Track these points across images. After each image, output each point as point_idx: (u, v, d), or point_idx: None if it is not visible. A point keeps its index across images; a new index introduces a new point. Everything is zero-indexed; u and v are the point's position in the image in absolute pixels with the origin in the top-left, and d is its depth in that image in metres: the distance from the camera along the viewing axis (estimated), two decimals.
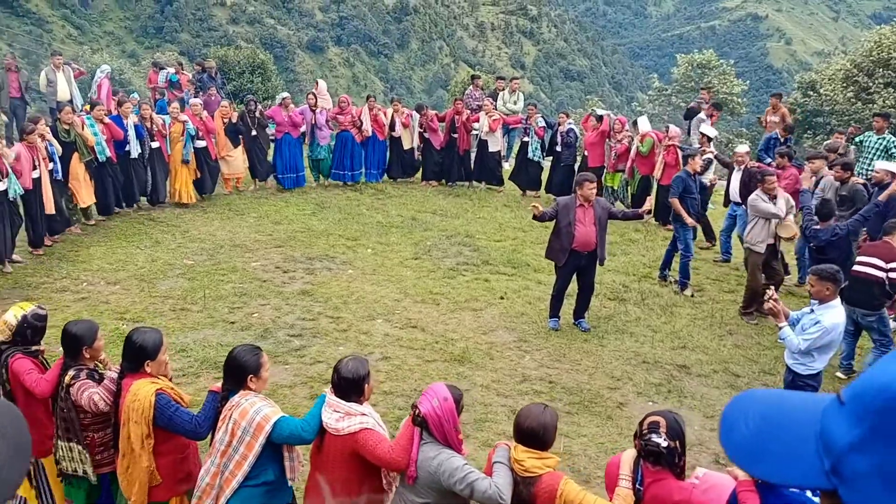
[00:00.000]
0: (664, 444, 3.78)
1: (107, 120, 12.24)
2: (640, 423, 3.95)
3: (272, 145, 15.24)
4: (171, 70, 18.44)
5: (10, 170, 10.18)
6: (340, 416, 4.23)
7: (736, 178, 11.69)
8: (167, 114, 13.66)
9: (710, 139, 12.82)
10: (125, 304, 9.49)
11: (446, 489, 3.97)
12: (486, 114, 15.46)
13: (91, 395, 4.65)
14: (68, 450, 4.88)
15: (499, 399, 7.65)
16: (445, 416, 4.06)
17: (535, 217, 9.18)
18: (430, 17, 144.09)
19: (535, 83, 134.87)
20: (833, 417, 1.01)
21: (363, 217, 13.65)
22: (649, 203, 9.80)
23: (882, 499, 0.88)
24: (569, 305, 9.64)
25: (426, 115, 15.75)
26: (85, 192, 11.99)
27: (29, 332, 5.04)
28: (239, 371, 4.44)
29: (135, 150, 12.80)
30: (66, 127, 11.60)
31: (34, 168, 10.74)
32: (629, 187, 13.95)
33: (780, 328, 6.66)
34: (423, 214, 13.97)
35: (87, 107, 13.25)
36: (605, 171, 14.51)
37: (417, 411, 4.09)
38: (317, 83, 16.43)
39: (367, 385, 4.34)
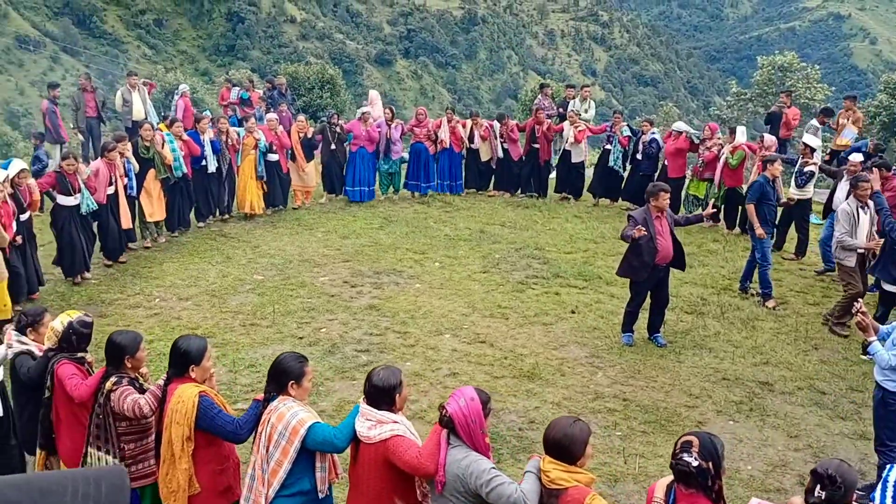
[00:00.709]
0: (695, 463, 3.69)
1: (185, 136, 12.53)
2: (675, 444, 3.90)
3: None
4: (243, 88, 18.74)
5: (82, 185, 10.55)
6: (372, 425, 4.27)
7: (843, 187, 10.98)
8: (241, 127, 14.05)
9: (812, 150, 12.21)
10: (196, 320, 9.62)
11: (472, 494, 3.96)
12: (572, 124, 15.30)
13: (136, 399, 4.74)
14: (97, 459, 4.95)
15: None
16: (472, 416, 4.08)
17: (629, 238, 8.73)
18: (499, 27, 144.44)
19: (607, 90, 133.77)
20: None
21: (431, 230, 13.61)
22: (711, 207, 9.44)
23: None
24: (643, 320, 9.40)
25: (506, 125, 15.73)
26: (156, 208, 12.29)
27: (75, 339, 5.18)
28: (281, 376, 4.53)
29: (212, 164, 13.12)
30: (147, 144, 11.94)
31: (110, 184, 11.09)
32: (713, 198, 13.50)
33: (869, 343, 6.30)
34: (492, 227, 13.86)
35: (162, 125, 13.50)
36: (686, 180, 14.26)
37: (444, 411, 4.13)
38: (370, 94, 16.58)
39: (398, 395, 4.36)
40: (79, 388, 4.97)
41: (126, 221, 11.53)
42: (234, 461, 4.97)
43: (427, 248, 12.58)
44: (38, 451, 5.49)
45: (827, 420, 7.70)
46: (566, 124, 15.44)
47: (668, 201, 8.84)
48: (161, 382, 4.81)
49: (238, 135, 13.73)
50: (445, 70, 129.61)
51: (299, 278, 11.11)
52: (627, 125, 15.24)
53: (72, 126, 16.67)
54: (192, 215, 13.42)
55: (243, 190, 13.87)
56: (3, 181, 9.18)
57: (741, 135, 13.53)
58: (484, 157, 15.85)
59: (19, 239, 9.43)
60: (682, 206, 14.19)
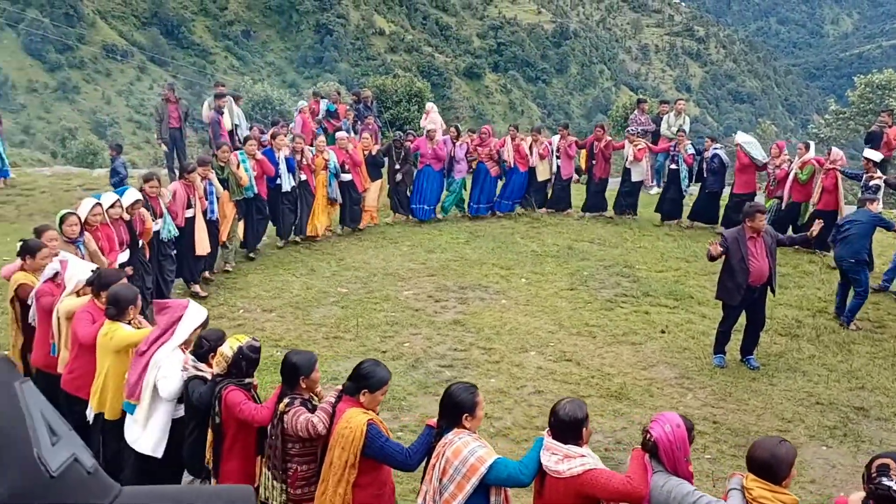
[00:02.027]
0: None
1: (259, 156, 12.27)
2: (868, 466, 3.97)
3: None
4: (330, 100, 19.22)
5: (164, 210, 10.31)
6: (559, 459, 4.24)
7: None
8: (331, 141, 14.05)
9: (875, 164, 12.24)
10: (280, 332, 9.84)
11: None
12: (631, 142, 15.16)
13: (309, 418, 4.77)
14: (267, 478, 5.08)
15: None
16: (677, 442, 4.14)
17: (710, 257, 8.92)
18: (591, 41, 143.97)
19: (702, 106, 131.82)
20: None
21: (517, 246, 13.70)
22: (818, 226, 9.36)
23: None
24: (735, 341, 9.32)
25: (565, 140, 15.48)
26: (224, 230, 11.98)
27: (244, 364, 5.17)
28: (455, 409, 4.51)
29: (286, 183, 12.88)
30: (222, 164, 11.72)
31: (188, 207, 10.83)
32: (779, 212, 13.45)
33: None
34: (580, 243, 13.88)
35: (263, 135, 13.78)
36: (757, 196, 14.14)
37: (649, 436, 4.18)
38: (426, 106, 16.72)
39: (585, 429, 4.35)
40: (260, 411, 5.01)
41: (203, 247, 11.10)
42: (391, 486, 4.98)
43: (513, 263, 12.67)
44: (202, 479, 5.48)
45: None
46: (626, 142, 15.25)
47: (765, 222, 8.78)
48: (332, 400, 4.86)
49: (312, 154, 13.49)
50: (535, 84, 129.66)
51: (383, 292, 11.28)
52: (691, 143, 15.07)
53: (156, 137, 17.27)
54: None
55: (313, 212, 13.68)
56: (112, 205, 9.02)
57: (812, 150, 13.44)
58: (541, 176, 15.60)
59: (130, 270, 8.98)
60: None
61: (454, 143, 15.05)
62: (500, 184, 15.59)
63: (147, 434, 5.58)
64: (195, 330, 5.66)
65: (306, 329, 9.95)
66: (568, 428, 4.29)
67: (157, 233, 10.19)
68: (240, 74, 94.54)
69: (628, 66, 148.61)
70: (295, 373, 5.02)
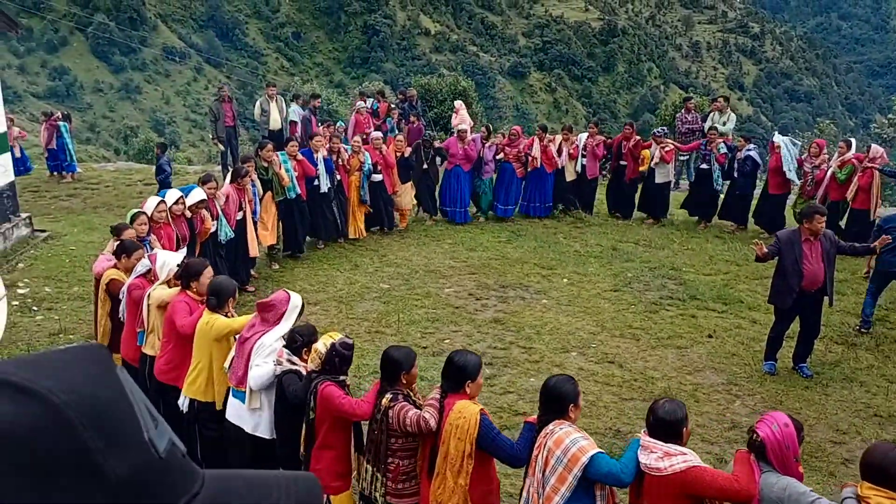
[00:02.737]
0: None
1: (300, 156, 12.28)
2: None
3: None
4: (375, 99, 19.15)
5: (220, 212, 10.46)
6: (660, 457, 4.19)
7: None
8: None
9: None
10: (323, 325, 9.80)
11: None
12: (658, 143, 14.69)
13: (420, 413, 4.81)
14: (367, 472, 5.16)
15: (703, 445, 7.25)
16: (786, 441, 4.11)
17: (758, 258, 8.67)
18: (640, 39, 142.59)
19: (756, 105, 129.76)
20: None
21: (560, 246, 13.54)
22: (882, 241, 8.84)
23: None
24: (788, 348, 9.05)
25: (593, 138, 15.17)
26: (270, 232, 12.09)
27: (337, 361, 5.23)
28: (559, 400, 4.51)
29: (324, 184, 12.83)
30: (266, 164, 11.76)
31: (239, 209, 10.98)
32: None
33: None
34: (625, 244, 13.67)
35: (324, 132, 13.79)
36: (793, 197, 14.07)
37: (756, 435, 4.17)
38: (455, 104, 16.53)
39: (685, 428, 4.32)
40: (360, 405, 5.08)
41: (254, 249, 11.36)
42: (497, 483, 5.02)
43: (555, 263, 12.53)
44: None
45: None
46: (652, 143, 14.84)
47: (824, 225, 8.35)
48: (437, 396, 4.90)
49: (348, 153, 13.45)
50: (581, 83, 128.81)
51: (425, 288, 11.30)
52: (724, 142, 14.64)
53: (211, 136, 17.50)
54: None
55: (351, 215, 13.66)
56: (175, 202, 9.32)
57: (853, 148, 13.13)
58: (569, 176, 15.30)
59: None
60: (788, 224, 13.55)
61: (483, 144, 14.88)
62: (523, 185, 15.29)
63: (264, 419, 5.73)
64: (298, 317, 5.86)
65: (349, 323, 10.03)
66: (669, 427, 4.26)
67: (215, 234, 10.39)
68: (290, 75, 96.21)
69: (678, 64, 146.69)
70: (396, 368, 5.07)
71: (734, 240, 14.03)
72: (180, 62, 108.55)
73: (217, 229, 10.38)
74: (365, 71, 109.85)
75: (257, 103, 17.49)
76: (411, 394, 5.15)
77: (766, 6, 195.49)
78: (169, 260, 6.80)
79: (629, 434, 7.34)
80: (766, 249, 8.47)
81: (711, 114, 16.33)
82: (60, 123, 17.83)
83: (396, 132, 16.87)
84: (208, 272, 6.46)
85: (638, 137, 15.21)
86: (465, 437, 4.59)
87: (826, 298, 8.61)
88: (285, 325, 5.73)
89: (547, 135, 15.17)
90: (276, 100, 17.09)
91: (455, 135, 14.98)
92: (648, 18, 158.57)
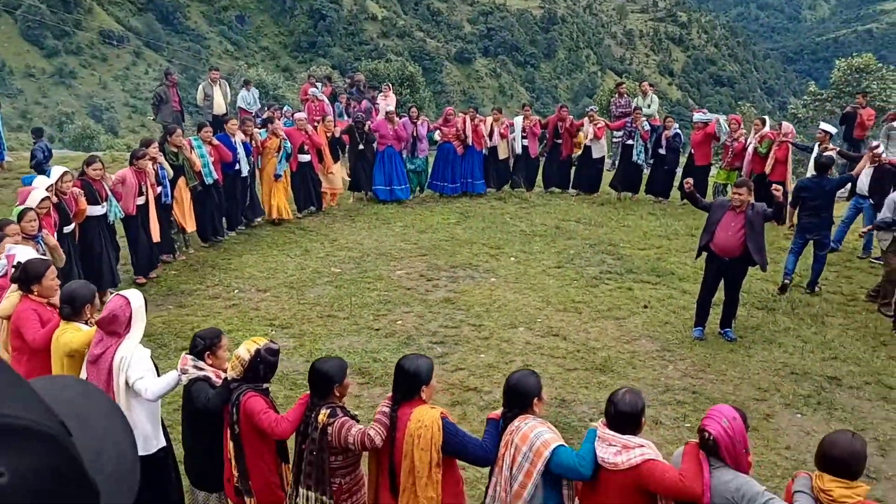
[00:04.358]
0: None
1: (215, 141, 11.86)
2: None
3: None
4: (321, 84, 19.22)
5: (109, 193, 9.81)
6: (617, 450, 4.03)
7: (867, 173, 11.74)
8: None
9: (830, 135, 12.90)
10: (274, 311, 9.84)
11: None
12: (591, 121, 15.38)
13: (364, 431, 4.38)
14: (304, 499, 4.62)
15: None
16: (737, 437, 3.91)
17: (687, 195, 9.23)
18: (578, 27, 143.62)
19: (684, 89, 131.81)
20: None
21: (507, 226, 13.76)
22: (778, 191, 9.35)
23: None
24: (715, 315, 9.41)
25: (530, 120, 15.71)
26: (187, 218, 11.66)
27: (262, 368, 4.70)
28: (524, 397, 4.34)
29: (245, 167, 12.55)
30: (175, 150, 11.27)
31: (140, 194, 10.31)
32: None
33: None
34: (567, 223, 13.96)
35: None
36: (713, 168, 15.10)
37: (707, 434, 3.93)
38: (383, 86, 16.83)
39: (644, 418, 4.15)
40: (280, 423, 4.56)
41: (157, 234, 10.67)
42: (462, 479, 4.71)
43: (503, 243, 12.73)
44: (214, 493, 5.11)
45: (893, 414, 7.63)
46: (586, 120, 15.53)
47: (741, 197, 8.60)
48: (386, 410, 4.47)
49: (261, 136, 13.12)
50: (524, 69, 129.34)
51: (376, 271, 11.32)
52: (647, 120, 15.38)
53: (153, 119, 17.25)
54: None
55: (269, 195, 13.38)
56: (48, 189, 8.60)
57: (768, 125, 14.05)
58: (502, 155, 15.79)
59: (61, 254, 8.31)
60: (708, 193, 14.48)
61: (415, 123, 15.11)
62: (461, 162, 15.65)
63: (142, 433, 5.02)
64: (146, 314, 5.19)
65: (301, 308, 9.96)
66: (629, 418, 4.09)
67: (105, 216, 9.80)
68: (234, 59, 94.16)
69: (614, 51, 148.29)
70: (328, 382, 4.57)
71: (665, 216, 14.41)
72: (118, 46, 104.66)
73: (107, 211, 9.76)
74: (312, 56, 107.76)
75: (200, 88, 17.19)
76: (345, 406, 4.71)
77: None
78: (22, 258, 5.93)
79: (573, 402, 7.59)
80: (696, 195, 9.05)
81: (636, 98, 17.17)
82: None
83: (345, 117, 17.04)
84: (51, 273, 5.71)
85: (570, 118, 15.78)
86: (430, 446, 4.25)
87: (753, 276, 9.15)
88: (138, 329, 5.03)
89: (478, 115, 15.68)
90: (220, 84, 16.83)
91: (384, 117, 15.16)
92: (586, 7, 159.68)
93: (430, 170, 15.73)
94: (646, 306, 10.23)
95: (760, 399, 7.89)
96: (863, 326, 9.75)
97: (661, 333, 9.43)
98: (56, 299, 5.59)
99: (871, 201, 11.73)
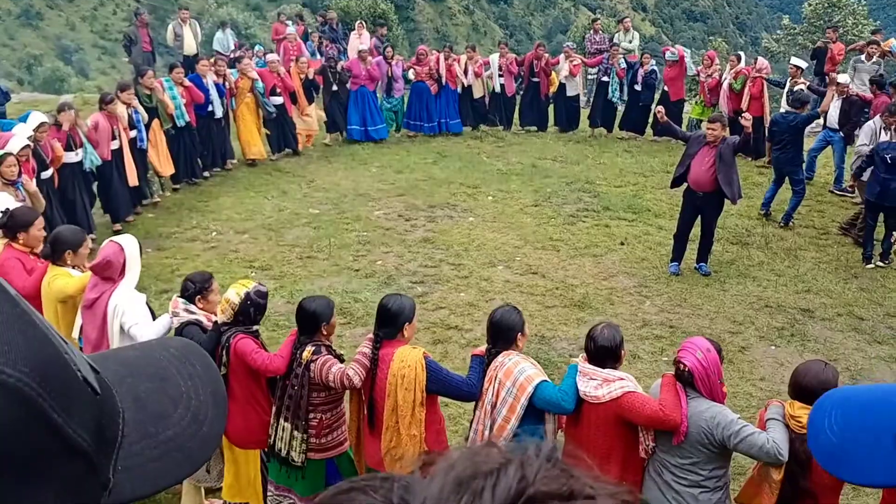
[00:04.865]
0: None
1: (187, 83, 11.49)
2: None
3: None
4: (292, 23, 18.79)
5: (84, 140, 9.57)
6: (598, 384, 4.12)
7: (835, 106, 11.88)
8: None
9: (801, 70, 13.02)
10: (254, 253, 9.81)
11: (717, 445, 3.88)
12: (567, 58, 15.19)
13: (343, 370, 4.43)
14: (282, 430, 4.69)
15: None
16: (711, 367, 3.98)
17: (662, 127, 9.37)
18: None
19: (657, 25, 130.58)
20: None
21: (484, 165, 13.70)
22: (747, 121, 9.31)
23: None
24: (692, 251, 9.49)
25: (506, 58, 15.43)
26: (164, 162, 11.41)
27: (252, 311, 4.68)
28: (509, 331, 4.38)
29: (219, 109, 12.18)
30: (148, 92, 10.96)
31: (113, 138, 10.04)
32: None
33: None
34: (544, 161, 13.90)
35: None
36: (686, 105, 15.20)
37: (682, 366, 4.01)
38: (356, 24, 16.61)
39: (623, 351, 4.25)
40: (273, 360, 4.59)
41: (133, 178, 10.39)
42: (443, 417, 4.78)
43: (480, 182, 12.69)
44: None
45: (864, 344, 7.85)
46: (562, 57, 15.32)
47: (714, 132, 8.60)
48: (367, 350, 4.51)
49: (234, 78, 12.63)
50: (497, 5, 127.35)
51: (354, 212, 11.26)
52: (623, 57, 15.26)
53: (126, 60, 16.85)
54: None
55: (248, 135, 12.97)
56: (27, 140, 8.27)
57: (742, 61, 14.02)
58: (476, 93, 15.48)
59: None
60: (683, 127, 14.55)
61: (389, 63, 14.80)
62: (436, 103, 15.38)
63: None
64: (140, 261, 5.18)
65: (280, 250, 9.93)
66: (608, 352, 4.18)
67: (80, 164, 9.58)
68: None
69: None
70: (315, 321, 4.61)
71: (641, 153, 14.40)
72: None
73: (82, 157, 9.55)
74: None
75: (170, 28, 16.74)
76: (331, 345, 4.77)
77: None
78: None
79: (553, 339, 7.69)
80: (666, 119, 9.14)
81: (617, 33, 16.92)
82: None
83: (318, 56, 16.74)
84: (39, 223, 5.64)
85: (547, 55, 15.56)
86: (413, 386, 4.30)
87: (728, 211, 9.23)
88: (133, 275, 5.05)
89: (452, 54, 15.36)
90: (190, 24, 16.38)
91: (357, 56, 14.74)
92: None
93: (405, 109, 15.48)
94: (622, 243, 10.29)
95: (735, 332, 8.02)
96: (835, 259, 9.90)
97: (638, 269, 9.51)
98: (40, 249, 5.52)
99: (841, 133, 11.93)
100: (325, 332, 4.68)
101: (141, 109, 10.66)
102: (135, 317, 4.91)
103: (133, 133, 10.52)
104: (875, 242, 9.84)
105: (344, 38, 18.51)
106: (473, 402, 4.58)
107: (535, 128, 15.99)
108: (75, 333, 5.21)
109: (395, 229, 10.70)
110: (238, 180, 12.67)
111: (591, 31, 17.65)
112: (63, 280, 5.16)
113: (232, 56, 15.68)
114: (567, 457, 0.61)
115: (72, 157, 9.46)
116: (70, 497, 0.73)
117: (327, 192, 12.14)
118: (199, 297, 4.92)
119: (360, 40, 16.79)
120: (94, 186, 10.27)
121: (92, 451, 0.75)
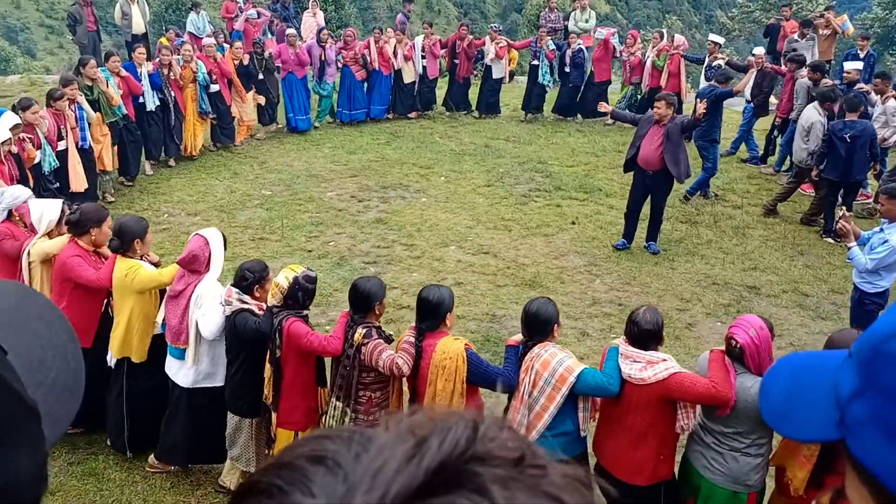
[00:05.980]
0: None
1: (123, 72, 10.69)
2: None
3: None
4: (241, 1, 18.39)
5: (43, 140, 8.79)
6: (642, 366, 4.25)
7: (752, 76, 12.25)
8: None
9: (718, 45, 13.45)
10: None
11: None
12: (492, 40, 15.03)
13: (393, 358, 4.53)
14: (334, 408, 4.86)
15: (568, 322, 7.71)
16: (762, 345, 4.12)
17: (610, 114, 9.83)
18: None
19: (612, 3, 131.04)
20: (843, 369, 1.00)
21: (437, 145, 13.70)
22: (702, 106, 9.55)
23: (879, 445, 0.88)
24: (642, 230, 9.62)
25: (429, 40, 15.09)
26: (107, 156, 10.55)
27: (300, 295, 4.79)
28: (545, 324, 4.50)
29: (150, 102, 11.29)
30: (90, 83, 10.07)
31: (60, 139, 9.21)
32: (636, 98, 14.43)
33: (850, 248, 6.67)
34: (496, 142, 13.95)
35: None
36: (610, 83, 15.44)
37: (735, 342, 4.15)
38: (314, 3, 16.36)
39: (663, 333, 4.42)
40: (330, 342, 4.70)
41: (78, 183, 9.44)
42: (482, 403, 4.87)
43: (433, 162, 12.71)
44: (251, 419, 5.20)
45: (809, 320, 8.07)
46: (487, 39, 15.18)
47: (660, 110, 8.73)
48: (412, 339, 4.63)
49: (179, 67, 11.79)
50: None
51: (307, 193, 11.23)
52: (552, 39, 15.27)
53: (70, 39, 16.40)
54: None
55: (189, 131, 12.28)
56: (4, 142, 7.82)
57: (665, 38, 14.41)
58: (407, 78, 14.93)
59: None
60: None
61: (323, 47, 13.92)
62: (365, 87, 14.81)
63: (204, 370, 5.29)
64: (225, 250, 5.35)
65: (232, 231, 9.78)
66: (650, 336, 4.33)
67: (39, 165, 8.73)
68: None
69: None
70: (369, 300, 4.70)
71: (593, 133, 14.51)
72: None
73: (41, 160, 8.72)
74: None
75: (117, 6, 16.16)
76: (381, 326, 4.85)
77: None
78: (46, 211, 5.75)
79: (504, 317, 7.77)
80: (609, 107, 9.70)
81: (573, 12, 16.86)
82: None
83: (270, 36, 16.40)
84: (109, 220, 5.64)
85: (470, 37, 15.37)
86: (453, 377, 4.42)
87: (678, 190, 9.38)
88: (217, 266, 5.20)
89: (383, 36, 14.66)
90: (139, 1, 15.88)
91: (285, 41, 13.89)
92: None
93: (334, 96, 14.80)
94: (573, 222, 10.40)
95: (683, 309, 8.17)
96: (782, 237, 10.14)
97: (589, 249, 9.63)
98: (105, 249, 5.63)
99: (753, 104, 12.39)
100: (377, 312, 4.78)
101: (86, 106, 9.83)
102: (206, 307, 5.08)
103: (77, 133, 9.69)
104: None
105: (296, 17, 18.16)
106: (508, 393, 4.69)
107: (461, 112, 15.67)
108: (158, 320, 5.42)
109: (348, 210, 10.69)
110: (189, 162, 12.49)
111: (547, 10, 17.52)
112: (146, 272, 5.31)
113: (206, 39, 14.97)
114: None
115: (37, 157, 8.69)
116: (36, 456, 0.77)
117: (279, 174, 12.06)
118: (256, 286, 5.06)
119: (314, 19, 16.53)
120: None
121: (36, 408, 0.78)
